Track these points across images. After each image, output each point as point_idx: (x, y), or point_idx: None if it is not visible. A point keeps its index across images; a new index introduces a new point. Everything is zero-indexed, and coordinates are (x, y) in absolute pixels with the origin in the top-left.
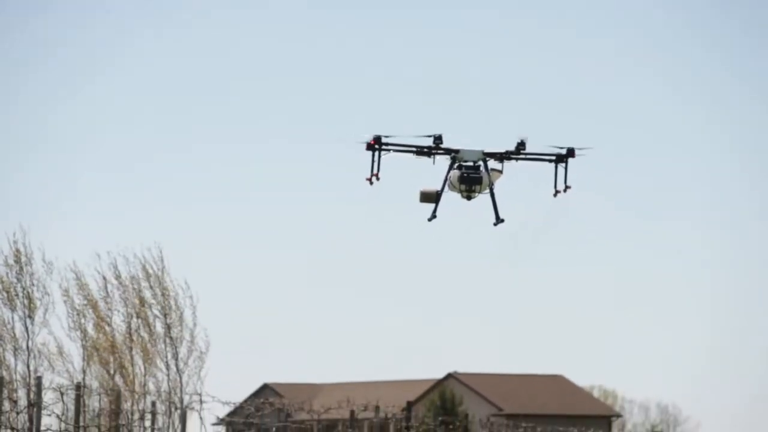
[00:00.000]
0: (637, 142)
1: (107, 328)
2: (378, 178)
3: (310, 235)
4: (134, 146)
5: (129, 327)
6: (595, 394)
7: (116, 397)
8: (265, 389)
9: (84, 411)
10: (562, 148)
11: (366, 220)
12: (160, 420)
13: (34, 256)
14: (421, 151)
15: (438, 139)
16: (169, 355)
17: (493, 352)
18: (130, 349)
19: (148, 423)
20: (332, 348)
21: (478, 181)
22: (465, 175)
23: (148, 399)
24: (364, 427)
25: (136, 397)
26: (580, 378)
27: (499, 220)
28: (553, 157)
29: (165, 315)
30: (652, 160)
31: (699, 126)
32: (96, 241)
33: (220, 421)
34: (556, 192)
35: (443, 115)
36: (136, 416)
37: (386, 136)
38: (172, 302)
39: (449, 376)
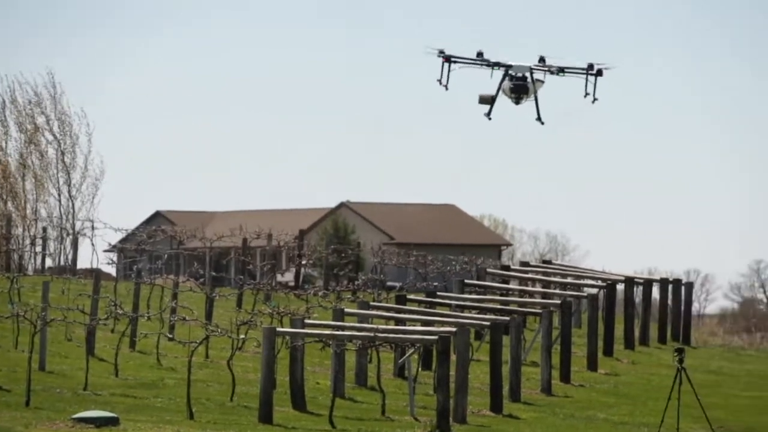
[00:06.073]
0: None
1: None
2: (447, 88)
3: (206, 62)
4: None
5: (22, 153)
6: (486, 223)
7: (7, 222)
8: (157, 217)
9: None
10: (592, 64)
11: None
12: (52, 245)
13: None
14: (481, 64)
15: (497, 63)
16: (62, 182)
17: (385, 181)
18: (23, 175)
19: (39, 248)
20: (225, 176)
21: (525, 90)
22: (515, 85)
23: (40, 225)
24: (257, 254)
25: (28, 222)
26: (471, 207)
27: (540, 120)
28: (584, 71)
29: (59, 141)
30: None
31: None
32: None
33: (112, 248)
34: (587, 94)
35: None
36: (27, 241)
37: (454, 56)
38: (68, 128)
39: (342, 205)
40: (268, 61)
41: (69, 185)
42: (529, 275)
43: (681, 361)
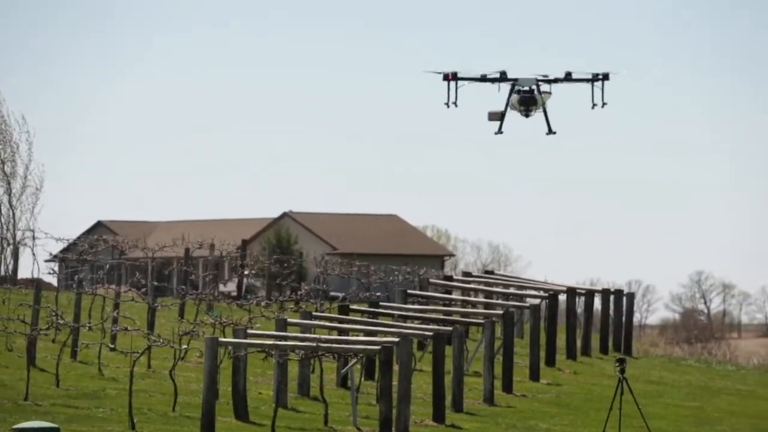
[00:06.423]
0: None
1: None
2: (456, 105)
3: (157, 74)
4: None
5: None
6: (429, 233)
7: None
8: (99, 226)
9: None
10: (598, 73)
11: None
12: None
13: None
14: (488, 80)
15: (503, 73)
16: (2, 191)
17: (328, 191)
18: None
19: None
20: (167, 186)
21: (534, 102)
22: (523, 98)
23: None
24: (199, 264)
25: None
26: (414, 218)
27: (550, 131)
28: (590, 79)
29: None
30: None
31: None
32: None
33: (53, 258)
34: (594, 105)
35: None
36: None
37: (461, 73)
38: (7, 137)
39: (284, 215)
40: (209, 71)
41: (9, 195)
42: (472, 285)
43: (622, 371)
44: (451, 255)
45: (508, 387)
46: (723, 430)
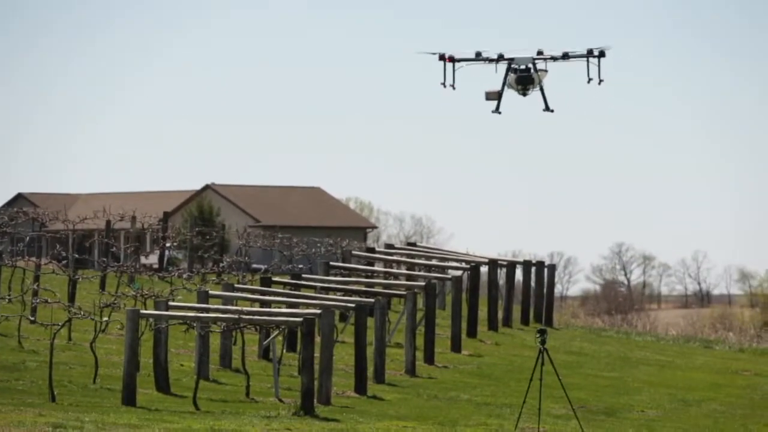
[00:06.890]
0: None
1: None
2: (453, 87)
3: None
4: None
5: None
6: (352, 206)
7: None
8: (19, 199)
9: None
10: (593, 49)
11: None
12: None
13: None
14: (484, 59)
15: (501, 55)
16: None
17: (250, 163)
18: None
19: None
20: (88, 158)
21: (531, 80)
22: (520, 76)
23: None
24: (121, 237)
25: None
26: (337, 190)
27: (548, 109)
28: (586, 55)
29: None
30: None
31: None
32: None
33: None
34: (590, 80)
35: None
36: None
37: (457, 57)
38: None
39: (207, 187)
40: (132, 43)
41: None
42: (394, 257)
43: (543, 342)
44: (374, 227)
45: (429, 358)
46: (642, 400)
